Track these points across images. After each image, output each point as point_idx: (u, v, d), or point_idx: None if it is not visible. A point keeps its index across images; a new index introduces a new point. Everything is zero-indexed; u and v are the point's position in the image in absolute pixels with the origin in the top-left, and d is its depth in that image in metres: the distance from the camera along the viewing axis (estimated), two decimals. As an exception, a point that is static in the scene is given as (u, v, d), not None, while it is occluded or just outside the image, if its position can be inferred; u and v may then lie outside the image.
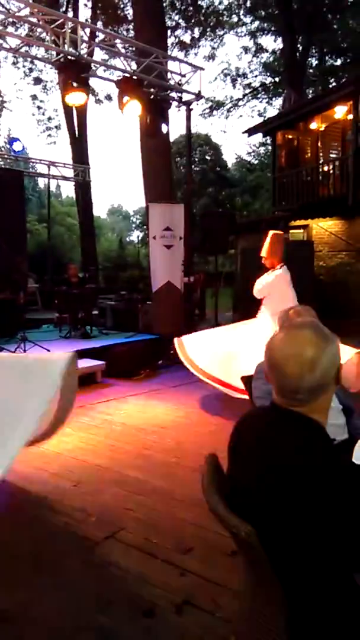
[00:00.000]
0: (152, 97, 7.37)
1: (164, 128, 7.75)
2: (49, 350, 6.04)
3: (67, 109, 16.09)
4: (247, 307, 5.43)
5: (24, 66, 18.30)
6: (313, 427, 1.12)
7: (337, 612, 1.07)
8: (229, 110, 23.89)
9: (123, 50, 7.39)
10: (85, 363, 6.20)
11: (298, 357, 1.13)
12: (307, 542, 1.01)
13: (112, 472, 3.37)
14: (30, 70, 18.54)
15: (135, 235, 28.21)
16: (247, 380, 2.69)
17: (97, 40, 8.09)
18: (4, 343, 6.54)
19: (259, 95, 23.71)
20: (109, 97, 19.28)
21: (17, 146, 10.26)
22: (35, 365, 2.84)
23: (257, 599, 1.15)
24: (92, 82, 13.76)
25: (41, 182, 21.31)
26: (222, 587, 2.14)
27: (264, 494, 1.06)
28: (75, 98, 6.56)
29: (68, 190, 29.59)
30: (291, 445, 1.09)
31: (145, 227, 21.94)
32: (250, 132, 13.97)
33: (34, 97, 19.75)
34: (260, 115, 23.50)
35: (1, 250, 6.39)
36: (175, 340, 5.36)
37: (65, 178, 12.16)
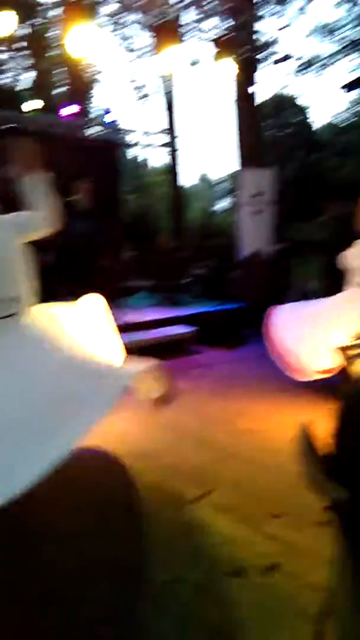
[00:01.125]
0: (243, 56, 7.11)
1: (255, 89, 7.47)
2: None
3: (160, 76, 16.01)
4: (336, 277, 5.18)
5: (116, 35, 18.39)
6: None
7: None
8: (322, 67, 22.38)
9: (215, 10, 7.17)
10: (175, 330, 6.36)
11: None
12: None
13: (202, 436, 3.47)
14: (124, 38, 18.60)
15: (224, 203, 27.83)
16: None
17: (189, 0, 7.90)
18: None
19: (354, 49, 21.91)
20: (200, 61, 18.88)
21: (110, 117, 10.43)
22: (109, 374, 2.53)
23: (349, 565, 1.15)
24: (184, 45, 13.51)
25: (132, 152, 21.61)
26: (310, 555, 2.14)
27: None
28: (168, 62, 6.52)
29: (158, 159, 29.77)
30: None
31: (233, 194, 21.58)
32: (351, 86, 13.04)
33: (127, 65, 19.85)
34: (355, 70, 21.76)
35: (98, 219, 6.62)
36: (267, 313, 5.04)
37: (156, 146, 12.24)
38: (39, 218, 2.63)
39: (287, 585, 1.98)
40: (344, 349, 2.56)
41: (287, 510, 2.51)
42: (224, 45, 6.60)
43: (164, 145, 12.35)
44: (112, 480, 2.86)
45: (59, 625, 1.80)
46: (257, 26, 6.95)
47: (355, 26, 21.38)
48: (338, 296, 4.76)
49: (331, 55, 22.01)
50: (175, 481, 2.80)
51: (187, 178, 33.93)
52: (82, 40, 5.69)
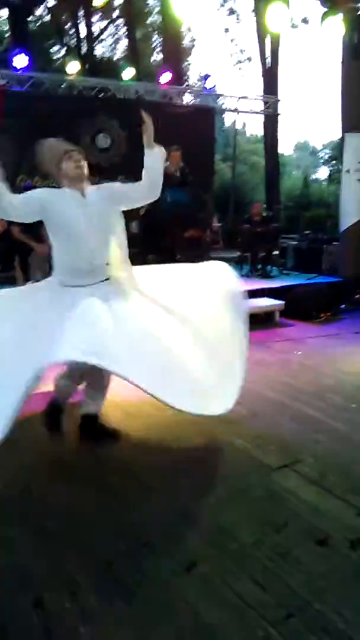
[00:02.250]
0: (357, 12, 6.58)
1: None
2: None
3: (260, 39, 15.40)
4: None
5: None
6: None
7: None
8: None
9: None
10: (264, 302, 6.25)
11: None
12: None
13: (289, 408, 3.43)
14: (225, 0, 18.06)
15: (323, 172, 26.51)
16: None
17: None
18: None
19: None
20: (305, 21, 17.83)
21: (209, 83, 10.26)
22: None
23: None
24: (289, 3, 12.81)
25: (227, 120, 21.14)
26: None
27: None
28: (272, 22, 6.23)
29: (254, 127, 28.88)
30: None
31: (334, 162, 20.41)
32: None
33: (227, 30, 19.35)
34: None
35: (190, 188, 6.61)
36: None
37: (254, 112, 11.84)
38: (144, 189, 2.68)
39: (373, 562, 1.94)
40: None
41: (377, 488, 2.43)
42: (328, 2, 6.17)
43: (264, 111, 11.91)
44: (200, 442, 2.93)
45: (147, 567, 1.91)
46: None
47: None
48: None
49: None
50: (262, 449, 2.81)
51: (286, 145, 32.63)
52: (181, 4, 5.58)
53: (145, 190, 2.68)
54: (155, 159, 2.65)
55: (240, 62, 19.62)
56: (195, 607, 1.72)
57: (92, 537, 2.10)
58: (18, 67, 8.48)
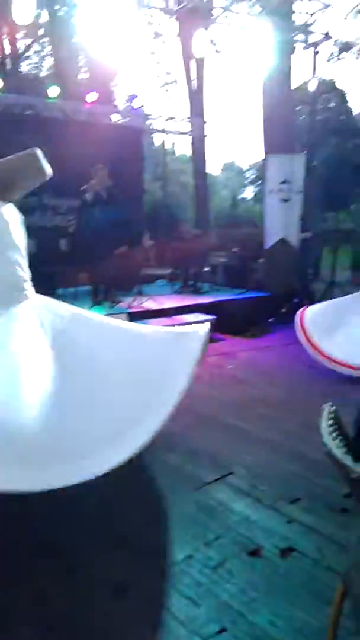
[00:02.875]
0: (277, 40, 6.97)
1: (288, 73, 7.34)
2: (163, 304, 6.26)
3: (186, 62, 15.86)
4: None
5: (142, 20, 18.27)
6: None
7: None
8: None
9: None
10: (196, 318, 6.34)
11: None
12: None
13: (220, 421, 3.47)
14: (149, 23, 18.46)
15: (249, 192, 27.52)
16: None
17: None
18: (122, 296, 6.89)
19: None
20: (229, 46, 18.61)
21: (136, 103, 10.40)
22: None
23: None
24: (212, 30, 13.34)
25: (157, 140, 21.54)
26: (328, 539, 2.14)
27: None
28: (197, 48, 6.45)
29: (183, 147, 29.56)
30: None
31: (259, 183, 21.28)
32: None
33: (153, 52, 19.73)
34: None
35: (121, 206, 6.62)
36: (298, 313, 4.90)
37: (181, 133, 12.13)
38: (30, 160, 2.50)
39: (303, 568, 1.98)
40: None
41: (305, 495, 2.50)
42: (253, 29, 6.50)
43: (191, 132, 12.23)
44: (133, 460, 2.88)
45: (80, 589, 1.84)
46: (293, 7, 6.80)
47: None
48: None
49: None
50: (194, 464, 2.82)
51: (213, 166, 33.61)
52: (106, 26, 5.64)
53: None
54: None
55: (167, 83, 20.09)
56: (128, 630, 1.67)
57: (20, 564, 1.99)
58: None
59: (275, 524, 2.27)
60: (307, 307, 4.89)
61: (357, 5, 20.28)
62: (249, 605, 1.78)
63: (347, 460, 1.07)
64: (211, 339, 5.96)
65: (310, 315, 4.70)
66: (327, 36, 7.06)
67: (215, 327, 6.26)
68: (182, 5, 6.47)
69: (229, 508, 2.39)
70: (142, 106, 10.71)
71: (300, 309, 4.82)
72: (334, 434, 1.23)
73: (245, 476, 2.68)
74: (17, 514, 2.28)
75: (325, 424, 1.28)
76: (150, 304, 6.63)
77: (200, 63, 15.35)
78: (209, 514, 2.35)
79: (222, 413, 3.63)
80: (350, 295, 4.88)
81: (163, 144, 13.27)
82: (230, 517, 2.33)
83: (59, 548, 2.09)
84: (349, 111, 27.12)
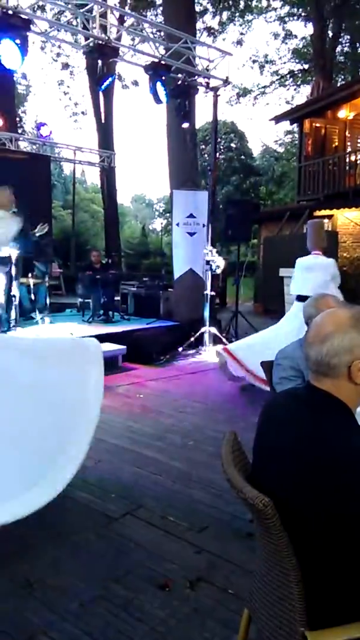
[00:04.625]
0: (179, 82, 7.33)
1: (190, 114, 7.71)
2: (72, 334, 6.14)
3: (94, 95, 16.11)
4: (267, 297, 5.41)
5: (51, 51, 18.37)
6: (332, 403, 1.15)
7: (353, 581, 1.10)
8: (256, 98, 23.57)
9: (151, 35, 7.35)
10: (106, 347, 6.28)
11: (319, 328, 1.16)
12: (329, 517, 1.04)
13: (131, 452, 3.45)
14: (58, 55, 18.60)
15: (158, 223, 28.18)
16: (267, 366, 2.71)
17: (125, 24, 8.06)
18: (28, 325, 6.67)
19: (286, 83, 23.35)
20: (135, 83, 19.21)
21: (44, 131, 10.31)
22: (76, 351, 2.80)
23: (272, 569, 1.19)
24: (119, 67, 13.73)
25: (66, 168, 21.43)
26: (235, 566, 2.19)
27: (290, 466, 1.10)
28: (102, 83, 6.59)
29: (93, 176, 29.70)
30: (316, 421, 1.12)
31: (168, 215, 21.92)
32: (278, 119, 13.80)
33: (61, 83, 19.82)
34: (287, 103, 23.18)
35: (27, 234, 6.47)
36: (221, 350, 5.32)
37: (90, 163, 12.22)
38: None
39: (212, 597, 2.00)
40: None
41: (212, 523, 2.55)
42: (157, 70, 6.78)
43: (100, 163, 12.36)
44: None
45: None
46: (195, 52, 7.19)
47: (284, 62, 22.75)
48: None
49: (264, 88, 23.25)
50: (104, 499, 2.76)
51: (123, 196, 34.05)
52: (13, 54, 5.59)
53: None
54: None
55: (75, 114, 20.22)
56: None
57: None
58: None
59: (184, 555, 2.28)
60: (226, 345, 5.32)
61: (252, 56, 21.97)
62: (160, 642, 1.76)
63: (246, 488, 1.12)
64: (121, 369, 5.98)
65: (234, 347, 5.09)
66: (226, 81, 7.55)
67: (126, 357, 6.26)
68: (89, 41, 6.59)
69: (139, 542, 2.36)
70: (50, 133, 10.63)
71: (221, 347, 5.24)
72: (235, 461, 1.28)
73: (154, 508, 2.67)
74: None
75: (225, 450, 1.33)
76: (60, 334, 6.47)
77: (107, 97, 15.68)
78: (118, 550, 2.30)
79: (132, 443, 3.61)
80: (269, 328, 5.27)
81: (73, 172, 13.28)
82: (139, 551, 2.30)
83: None
84: (248, 152, 29.06)
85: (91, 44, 6.47)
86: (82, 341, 2.99)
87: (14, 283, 6.17)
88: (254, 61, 22.70)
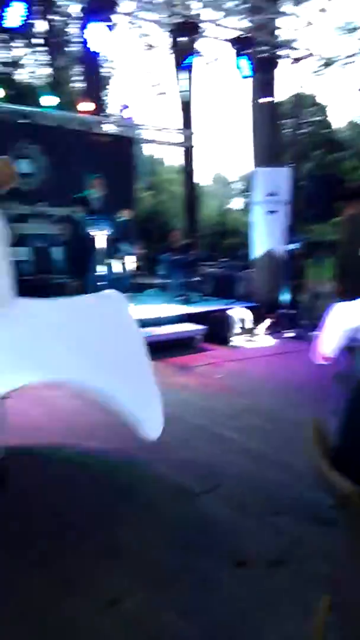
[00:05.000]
0: (262, 55, 7.11)
1: (273, 88, 7.47)
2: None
3: (175, 74, 16.02)
4: (349, 278, 5.14)
5: (134, 32, 18.44)
6: None
7: None
8: (341, 68, 22.21)
9: (234, 8, 7.17)
10: (186, 327, 6.39)
11: None
12: None
13: (209, 432, 3.50)
14: (142, 35, 18.64)
15: (237, 203, 27.76)
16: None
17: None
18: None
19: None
20: (217, 59, 18.83)
21: (127, 113, 10.46)
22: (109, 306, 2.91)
23: (357, 555, 1.17)
24: (201, 43, 13.51)
25: (146, 149, 21.66)
26: (314, 549, 2.17)
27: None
28: (185, 61, 6.55)
29: (173, 157, 29.77)
30: None
31: (247, 194, 21.48)
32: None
33: (144, 63, 19.94)
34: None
35: (112, 216, 6.67)
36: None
37: (171, 144, 12.24)
38: None
39: (291, 580, 2.01)
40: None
41: (293, 506, 2.54)
42: (242, 44, 6.62)
43: (180, 143, 12.35)
44: (123, 470, 2.90)
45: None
46: (277, 23, 6.93)
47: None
48: None
49: (351, 56, 21.87)
50: (184, 474, 2.83)
51: (202, 176, 33.86)
52: (100, 36, 5.71)
53: None
54: None
55: (158, 94, 20.27)
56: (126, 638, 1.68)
57: (8, 574, 1.99)
58: None
59: (262, 535, 2.30)
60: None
61: (340, 23, 20.66)
62: (240, 618, 1.79)
63: (332, 476, 1.11)
64: (201, 349, 6.04)
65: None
66: (309, 52, 7.21)
67: (205, 337, 6.31)
68: (172, 18, 6.56)
69: (217, 520, 2.41)
70: (132, 116, 10.76)
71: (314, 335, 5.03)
72: (319, 447, 1.27)
73: (232, 487, 2.71)
74: (16, 531, 2.29)
75: (311, 436, 1.31)
76: (140, 314, 6.65)
77: (189, 76, 15.52)
78: (197, 526, 2.37)
79: (211, 423, 3.65)
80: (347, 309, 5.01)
81: (154, 154, 13.40)
82: (218, 528, 2.35)
83: (50, 558, 2.10)
84: (332, 126, 27.56)
85: (174, 22, 6.44)
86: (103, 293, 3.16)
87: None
88: (339, 29, 21.33)
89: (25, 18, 5.64)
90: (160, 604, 1.85)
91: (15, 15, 6.53)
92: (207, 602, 1.87)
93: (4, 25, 5.91)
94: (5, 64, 17.89)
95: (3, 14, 6.37)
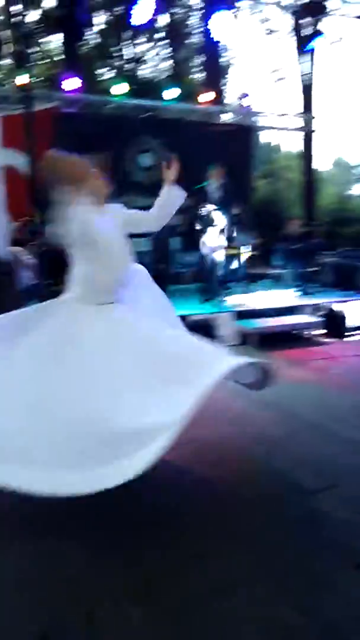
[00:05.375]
0: None
1: None
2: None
3: (296, 58, 15.46)
4: None
5: (255, 18, 18.10)
6: None
7: None
8: None
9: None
10: (301, 319, 6.23)
11: None
12: None
13: (326, 428, 3.38)
14: (263, 20, 18.25)
15: (359, 188, 26.18)
16: None
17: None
18: (227, 295, 6.94)
19: None
20: (341, 39, 17.81)
21: (246, 101, 10.35)
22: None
23: None
24: (325, 23, 12.87)
25: (265, 136, 21.26)
26: None
27: None
28: (309, 43, 6.29)
29: (290, 143, 28.81)
30: None
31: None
32: None
33: (264, 49, 19.52)
34: None
35: (230, 205, 6.68)
36: None
37: (290, 129, 11.88)
38: (152, 221, 2.74)
39: None
40: None
41: None
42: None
43: (300, 128, 11.93)
44: (237, 462, 2.94)
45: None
46: None
47: None
48: None
49: None
50: (299, 471, 2.79)
51: (321, 162, 32.44)
52: (224, 25, 5.70)
53: (153, 222, 2.74)
54: (174, 198, 2.72)
55: (277, 80, 19.77)
56: (237, 628, 1.72)
57: (138, 552, 2.13)
58: (68, 90, 8.81)
59: (384, 540, 2.20)
60: None
61: None
62: (354, 620, 1.75)
63: None
64: (318, 342, 5.85)
65: None
66: None
67: (321, 330, 6.10)
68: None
69: (335, 519, 2.34)
70: (251, 104, 10.62)
71: None
72: None
73: (351, 487, 2.61)
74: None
75: None
76: (256, 304, 6.62)
77: (311, 59, 14.88)
78: (313, 524, 2.32)
79: (328, 419, 3.53)
80: None
81: (271, 141, 13.11)
82: (334, 528, 2.28)
83: (171, 540, 2.21)
84: None
85: (299, 3, 6.23)
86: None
87: (217, 253, 6.48)
88: None
89: (151, 14, 5.83)
90: (275, 597, 1.86)
91: (142, 13, 6.79)
92: (323, 603, 1.84)
93: (132, 24, 6.17)
94: (128, 60, 18.66)
95: (131, 12, 6.66)
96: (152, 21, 8.94)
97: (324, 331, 6.11)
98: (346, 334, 6.14)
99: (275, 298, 7.06)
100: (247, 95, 10.43)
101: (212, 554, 2.11)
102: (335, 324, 6.17)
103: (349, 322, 6.23)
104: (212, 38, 6.03)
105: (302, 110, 14.16)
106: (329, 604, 1.83)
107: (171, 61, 17.70)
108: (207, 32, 6.26)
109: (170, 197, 2.74)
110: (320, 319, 6.09)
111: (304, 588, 1.91)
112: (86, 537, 2.25)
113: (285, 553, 2.12)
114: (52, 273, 6.45)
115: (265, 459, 2.92)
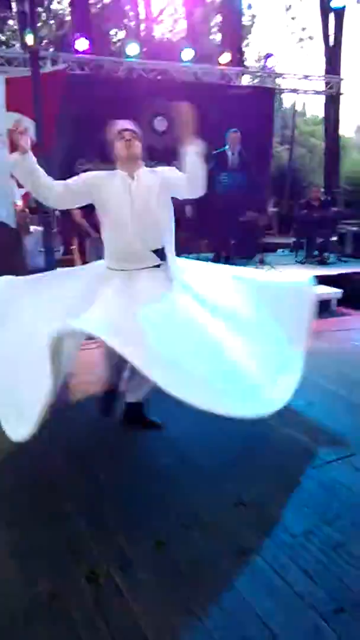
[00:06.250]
0: None
1: None
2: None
3: (324, 15, 14.74)
4: None
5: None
6: None
7: None
8: None
9: None
10: (320, 290, 6.07)
11: None
12: None
13: (345, 399, 3.34)
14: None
15: (385, 155, 25.26)
16: None
17: None
18: (243, 264, 6.82)
19: None
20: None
21: (270, 62, 9.92)
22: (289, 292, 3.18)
23: None
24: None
25: (286, 100, 20.53)
26: None
27: None
28: None
29: (314, 108, 27.82)
30: None
31: None
32: None
33: (288, 8, 18.74)
34: None
35: (248, 171, 6.48)
36: None
37: (316, 92, 11.41)
38: (184, 182, 2.61)
39: None
40: None
41: None
42: None
43: (326, 91, 11.45)
44: (254, 429, 2.91)
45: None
46: None
47: None
48: None
49: None
50: (316, 440, 2.76)
51: (348, 127, 31.34)
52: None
53: (185, 183, 2.60)
54: (194, 156, 2.54)
55: (301, 40, 18.97)
56: (244, 593, 1.72)
57: (144, 518, 2.14)
58: (79, 51, 8.55)
59: None
60: None
61: None
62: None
63: None
64: (336, 313, 5.73)
65: None
66: None
67: (342, 301, 5.96)
68: None
69: (351, 489, 2.32)
70: (274, 65, 10.20)
71: None
72: None
73: (369, 458, 2.57)
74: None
75: None
76: (273, 274, 6.49)
77: (339, 16, 14.16)
78: (329, 492, 2.30)
79: (346, 390, 3.48)
80: None
81: (294, 104, 12.64)
82: (350, 497, 2.26)
83: (178, 504, 2.21)
84: None
85: None
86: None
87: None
88: None
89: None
90: (285, 563, 1.85)
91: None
92: (336, 569, 1.83)
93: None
94: (143, 20, 18.03)
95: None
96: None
97: (344, 302, 5.97)
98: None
99: (292, 268, 6.91)
100: (270, 55, 10.00)
101: (222, 520, 2.10)
102: (355, 295, 6.03)
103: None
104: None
105: (327, 72, 13.61)
106: (344, 572, 1.81)
107: (186, 21, 17.08)
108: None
109: (191, 163, 2.55)
110: (340, 290, 5.95)
111: (318, 555, 1.90)
112: (88, 503, 2.25)
113: (298, 520, 2.10)
114: (61, 240, 6.40)
115: (283, 427, 2.86)
